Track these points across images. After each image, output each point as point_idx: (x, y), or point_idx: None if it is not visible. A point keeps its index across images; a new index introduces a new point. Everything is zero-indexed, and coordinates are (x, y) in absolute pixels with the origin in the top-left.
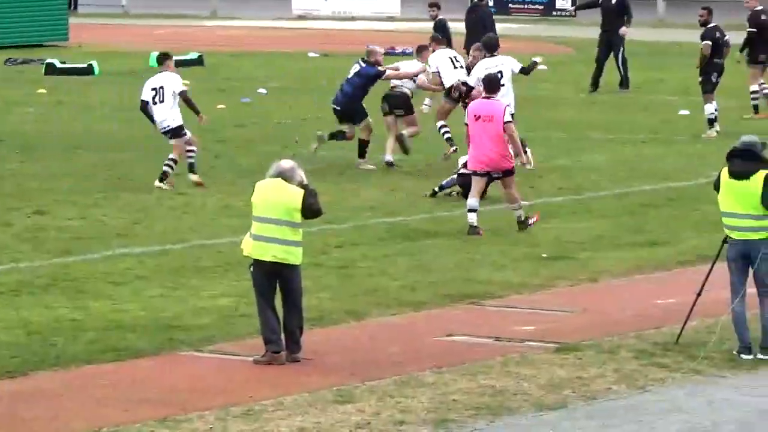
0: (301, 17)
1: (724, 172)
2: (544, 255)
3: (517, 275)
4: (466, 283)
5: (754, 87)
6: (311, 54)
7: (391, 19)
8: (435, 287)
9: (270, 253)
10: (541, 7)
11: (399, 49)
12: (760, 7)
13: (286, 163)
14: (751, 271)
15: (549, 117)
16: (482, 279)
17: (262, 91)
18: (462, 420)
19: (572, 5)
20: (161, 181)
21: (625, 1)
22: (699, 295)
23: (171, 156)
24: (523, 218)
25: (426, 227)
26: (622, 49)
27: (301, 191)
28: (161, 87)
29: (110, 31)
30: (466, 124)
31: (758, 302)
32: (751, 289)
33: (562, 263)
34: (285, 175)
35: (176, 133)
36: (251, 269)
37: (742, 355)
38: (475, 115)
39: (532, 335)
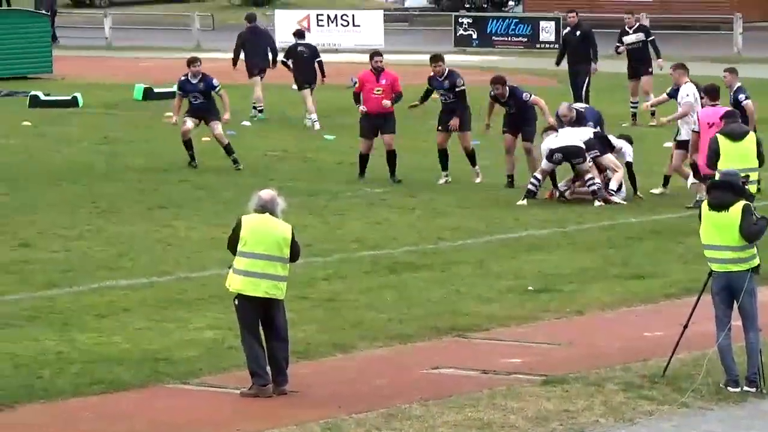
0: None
1: (704, 204)
2: (530, 288)
3: (503, 308)
4: (452, 315)
5: None
6: (294, 87)
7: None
8: (421, 320)
9: (262, 289)
10: (524, 40)
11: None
12: None
13: (267, 194)
14: (735, 304)
15: None
16: (468, 312)
17: (246, 123)
18: None
19: (555, 38)
20: None
21: (589, 35)
22: (685, 327)
23: None
24: None
25: (411, 260)
26: (587, 83)
27: (290, 226)
28: None
29: (94, 63)
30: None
31: (743, 335)
32: (736, 322)
33: (548, 296)
34: (268, 207)
35: None
36: (236, 303)
37: (729, 388)
38: (708, 123)
39: (519, 368)
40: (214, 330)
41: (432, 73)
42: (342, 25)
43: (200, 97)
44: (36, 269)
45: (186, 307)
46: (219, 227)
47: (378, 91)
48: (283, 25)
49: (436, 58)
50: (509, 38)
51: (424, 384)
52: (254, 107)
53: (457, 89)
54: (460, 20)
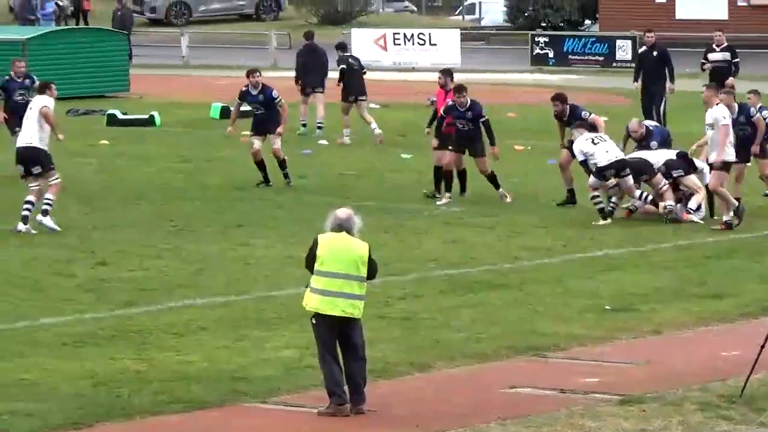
0: None
1: None
2: (607, 307)
3: (581, 327)
4: (529, 335)
5: None
6: (372, 105)
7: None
8: (499, 339)
9: (339, 308)
10: (601, 59)
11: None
12: None
13: (343, 213)
14: None
15: None
16: (545, 331)
17: (323, 142)
18: None
19: (631, 57)
20: None
21: (665, 54)
22: (763, 347)
23: None
24: None
25: (489, 279)
26: (663, 103)
27: (367, 245)
28: None
29: (171, 81)
30: None
31: None
32: None
33: (625, 315)
34: (345, 226)
35: None
36: (313, 322)
37: None
38: None
39: (597, 387)
40: (292, 349)
41: (450, 101)
42: (418, 43)
43: (261, 108)
44: (114, 288)
45: (264, 326)
46: (296, 246)
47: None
48: (359, 44)
49: (460, 89)
50: (585, 57)
51: (501, 403)
52: (319, 126)
53: (482, 120)
54: (536, 39)
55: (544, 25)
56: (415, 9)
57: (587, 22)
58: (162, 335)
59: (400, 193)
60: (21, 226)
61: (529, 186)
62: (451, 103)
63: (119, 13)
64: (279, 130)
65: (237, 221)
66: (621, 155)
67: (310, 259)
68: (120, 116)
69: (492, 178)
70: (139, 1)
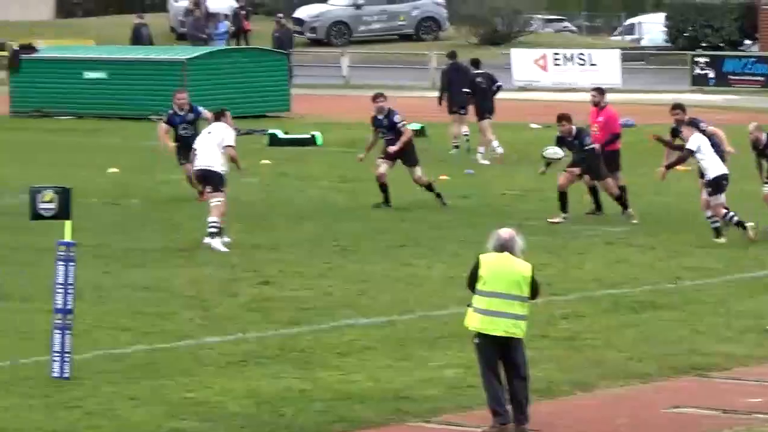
0: (522, 88)
1: None
2: None
3: (742, 347)
4: (692, 354)
5: None
6: (533, 125)
7: (611, 90)
8: (661, 359)
9: (501, 328)
10: (761, 79)
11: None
12: None
13: (506, 233)
14: None
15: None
16: (707, 351)
17: (485, 162)
18: None
19: None
20: None
21: None
22: None
23: None
24: None
25: (651, 299)
26: None
27: (530, 265)
28: None
29: (331, 101)
30: None
31: None
32: None
33: None
34: (507, 246)
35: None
36: (476, 341)
37: None
38: None
39: (760, 407)
40: (455, 368)
41: (559, 133)
42: (578, 63)
43: (388, 134)
44: (278, 307)
45: (427, 346)
46: (458, 266)
47: (594, 127)
48: (519, 64)
49: (560, 119)
50: (746, 77)
51: (664, 423)
52: (455, 146)
53: (586, 148)
54: (696, 59)
55: (704, 45)
56: (575, 29)
57: (747, 42)
58: (325, 354)
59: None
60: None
61: (686, 206)
62: (558, 133)
63: (276, 34)
64: (392, 148)
65: (400, 241)
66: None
67: (472, 279)
68: (281, 136)
69: (619, 198)
70: (299, 21)
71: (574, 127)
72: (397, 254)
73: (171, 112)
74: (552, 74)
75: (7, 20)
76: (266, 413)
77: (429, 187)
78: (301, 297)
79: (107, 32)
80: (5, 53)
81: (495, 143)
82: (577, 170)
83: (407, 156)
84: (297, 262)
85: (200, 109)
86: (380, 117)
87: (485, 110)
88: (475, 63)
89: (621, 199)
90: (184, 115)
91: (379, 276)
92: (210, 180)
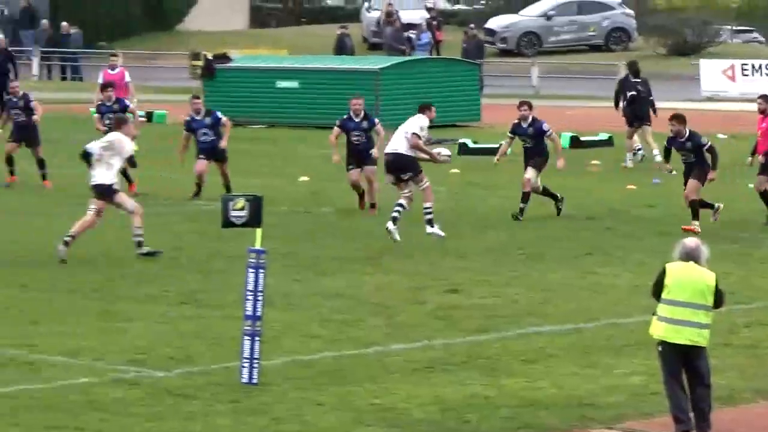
0: (709, 99)
1: None
2: None
3: None
4: None
5: None
6: (720, 136)
7: None
8: None
9: (685, 336)
10: None
11: None
12: None
13: (691, 243)
14: None
15: None
16: None
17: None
18: None
19: None
20: None
21: None
22: None
23: None
24: None
25: None
26: None
27: (714, 274)
28: None
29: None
30: None
31: None
32: None
33: None
34: (692, 256)
35: None
36: (659, 349)
37: None
38: None
39: None
40: (639, 376)
41: (672, 135)
42: (766, 74)
43: (530, 142)
44: (465, 315)
45: (612, 353)
46: (643, 275)
47: (759, 134)
48: (708, 75)
49: (671, 118)
50: None
51: None
52: (636, 152)
53: (705, 148)
54: None
55: None
56: (764, 40)
57: None
58: (511, 362)
59: (745, 222)
60: (390, 225)
61: None
62: (671, 133)
63: (464, 45)
64: (560, 163)
65: (585, 250)
66: None
67: (657, 288)
68: (471, 145)
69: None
70: (490, 31)
71: (686, 129)
72: (582, 263)
73: (346, 117)
74: (740, 85)
75: (203, 30)
76: (451, 420)
77: (546, 193)
78: (487, 305)
79: (300, 42)
80: (200, 63)
81: (656, 151)
82: (713, 175)
83: (538, 162)
84: (484, 270)
85: (375, 120)
86: (524, 125)
87: (644, 118)
88: (633, 67)
89: None
90: (359, 122)
91: (564, 284)
92: (404, 166)
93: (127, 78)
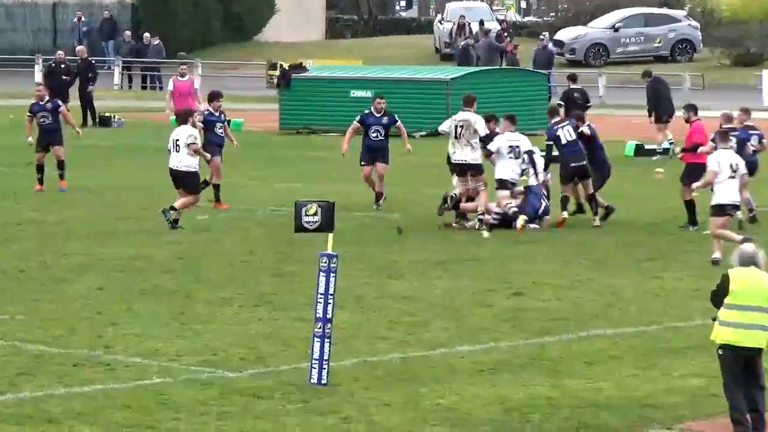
0: None
1: None
2: None
3: None
4: None
5: None
6: None
7: None
8: None
9: (755, 340)
10: None
11: None
12: None
13: (750, 248)
14: None
15: None
16: None
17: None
18: None
19: None
20: None
21: None
22: None
23: None
24: None
25: None
26: None
27: None
28: None
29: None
30: None
31: None
32: None
33: None
34: (754, 261)
35: None
36: (720, 352)
37: None
38: None
39: None
40: (699, 378)
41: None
42: None
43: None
44: (529, 317)
45: (672, 355)
46: (705, 279)
47: None
48: None
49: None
50: None
51: None
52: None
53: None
54: None
55: None
56: None
57: None
58: (574, 363)
59: None
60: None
61: None
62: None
63: (535, 55)
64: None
65: (649, 255)
66: None
67: (721, 294)
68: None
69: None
70: (559, 43)
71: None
72: (647, 267)
73: (367, 112)
74: None
75: (281, 41)
76: (514, 419)
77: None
78: (552, 308)
79: (374, 53)
80: (277, 72)
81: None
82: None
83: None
84: (549, 273)
85: (395, 117)
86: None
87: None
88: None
89: None
90: (379, 117)
91: (628, 288)
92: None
93: (196, 86)
